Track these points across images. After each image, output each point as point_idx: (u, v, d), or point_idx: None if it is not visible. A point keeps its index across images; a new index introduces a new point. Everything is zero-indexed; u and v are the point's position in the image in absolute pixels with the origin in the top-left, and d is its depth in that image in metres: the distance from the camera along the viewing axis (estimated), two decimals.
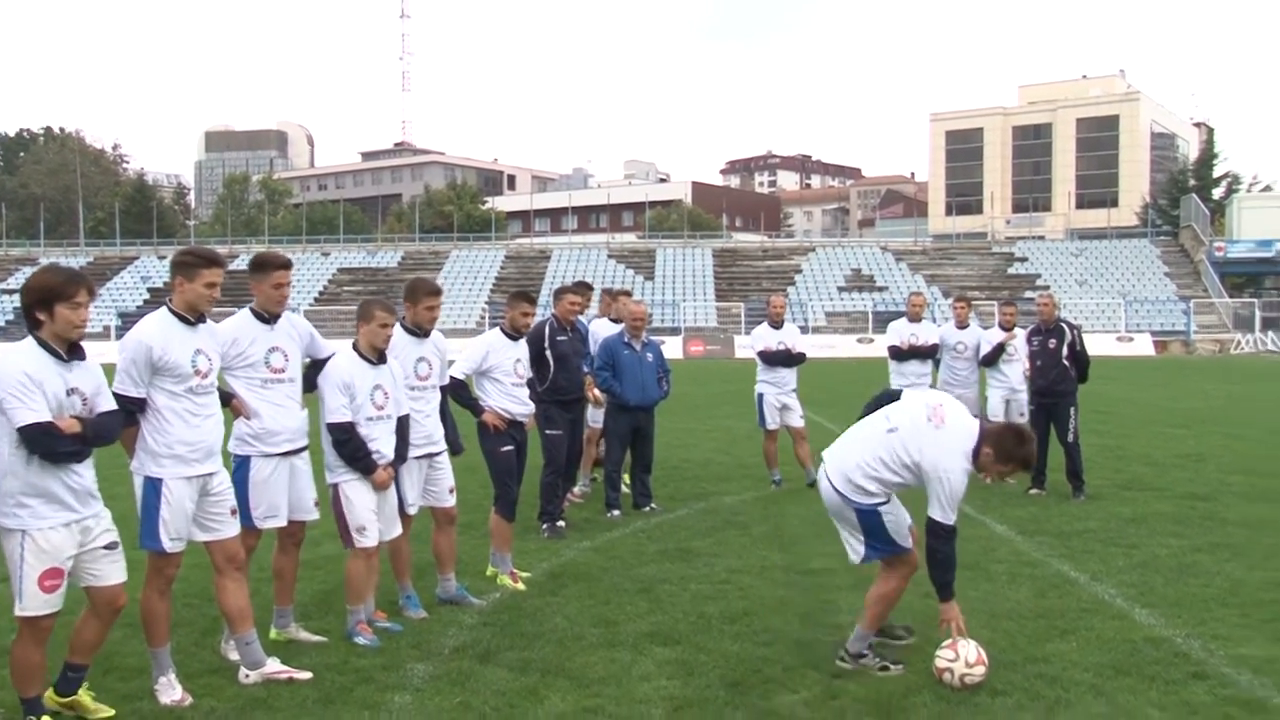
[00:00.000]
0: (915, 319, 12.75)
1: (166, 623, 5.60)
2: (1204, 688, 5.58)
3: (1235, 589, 7.52)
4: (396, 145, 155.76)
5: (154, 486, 5.41)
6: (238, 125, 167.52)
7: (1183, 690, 5.55)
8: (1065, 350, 11.52)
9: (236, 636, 5.80)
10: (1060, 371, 11.53)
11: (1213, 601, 7.21)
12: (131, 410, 5.34)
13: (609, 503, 10.60)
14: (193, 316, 5.54)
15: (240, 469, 6.05)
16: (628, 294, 12.09)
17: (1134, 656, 6.05)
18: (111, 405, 5.11)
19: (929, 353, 12.58)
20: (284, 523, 6.24)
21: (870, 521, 5.89)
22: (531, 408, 8.50)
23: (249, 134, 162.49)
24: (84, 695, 5.21)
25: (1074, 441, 11.40)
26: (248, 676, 5.70)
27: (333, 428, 6.43)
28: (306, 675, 5.77)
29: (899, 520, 5.93)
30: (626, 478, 11.07)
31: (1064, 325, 11.75)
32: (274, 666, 5.76)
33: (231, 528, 5.71)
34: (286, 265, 6.24)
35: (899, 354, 12.59)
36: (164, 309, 5.56)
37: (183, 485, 5.45)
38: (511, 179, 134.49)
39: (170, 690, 5.43)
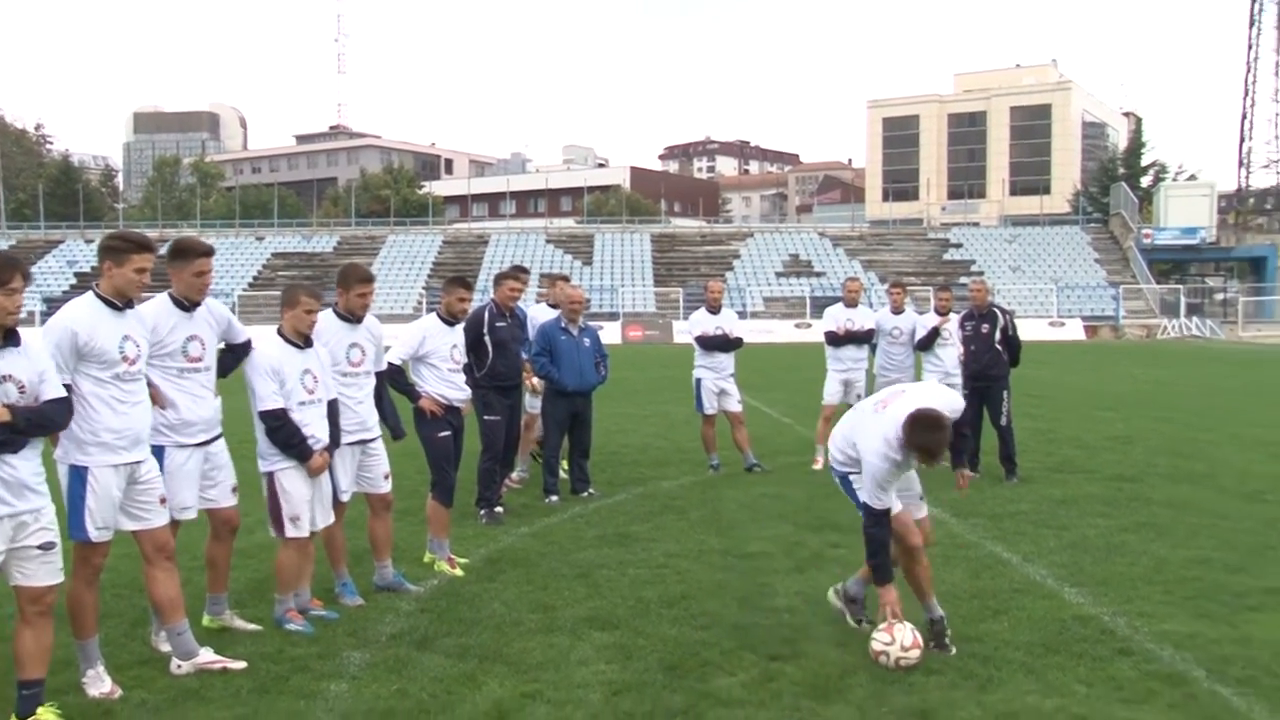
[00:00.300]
0: (852, 304, 12.85)
1: (94, 614, 5.48)
2: (1129, 663, 5.72)
3: (1160, 567, 7.71)
4: (332, 128, 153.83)
5: (79, 475, 5.29)
6: (167, 106, 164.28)
7: (1109, 666, 5.68)
8: (998, 335, 11.70)
9: (168, 627, 5.71)
10: (993, 356, 11.69)
11: (1138, 580, 7.38)
12: None
13: (547, 488, 10.58)
14: (121, 302, 5.42)
15: (155, 460, 5.87)
16: (566, 279, 12.06)
17: (1063, 635, 6.18)
18: (58, 393, 4.95)
19: (865, 337, 12.69)
20: (194, 515, 6.12)
21: (843, 484, 6.44)
22: (468, 393, 8.47)
23: (179, 115, 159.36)
24: (45, 713, 4.92)
25: (1007, 425, 11.58)
26: (180, 667, 5.62)
27: (265, 415, 6.33)
28: (240, 665, 5.70)
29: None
30: (564, 463, 11.06)
31: (996, 310, 11.93)
32: (207, 656, 5.68)
33: (161, 516, 5.60)
34: (208, 252, 6.05)
35: (835, 339, 12.68)
36: (90, 294, 5.43)
37: (109, 474, 5.33)
38: (449, 163, 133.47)
39: (99, 683, 5.33)
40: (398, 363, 8.07)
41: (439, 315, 8.38)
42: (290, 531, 6.46)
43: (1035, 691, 5.32)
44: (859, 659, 5.74)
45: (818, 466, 12.20)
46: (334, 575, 7.08)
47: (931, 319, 12.62)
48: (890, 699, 5.23)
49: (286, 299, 6.53)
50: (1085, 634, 6.21)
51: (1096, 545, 8.44)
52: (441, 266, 63.28)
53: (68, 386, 5.09)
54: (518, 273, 10.21)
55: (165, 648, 5.85)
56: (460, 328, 8.48)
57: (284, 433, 6.34)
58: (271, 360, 6.35)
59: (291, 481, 6.43)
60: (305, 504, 6.48)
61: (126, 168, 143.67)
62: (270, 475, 6.44)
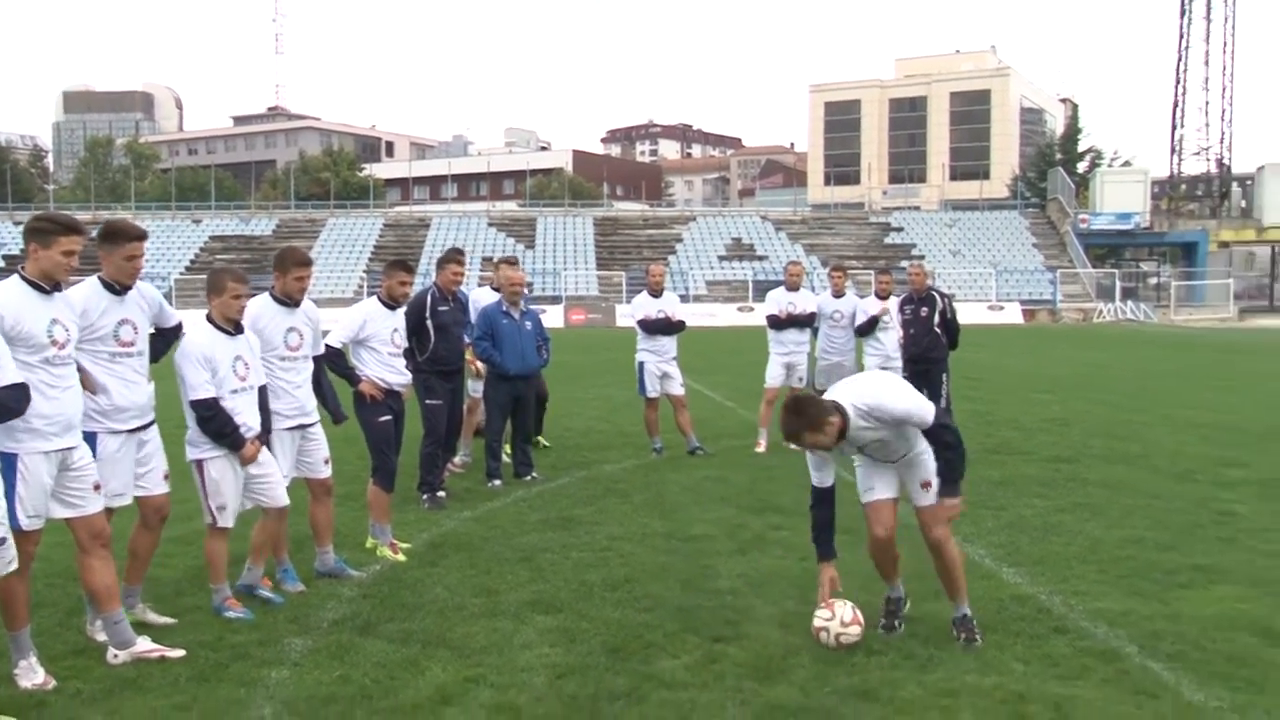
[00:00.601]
0: (794, 288, 12.92)
1: (26, 604, 5.35)
2: (1064, 641, 5.83)
3: (1094, 547, 7.85)
4: (270, 110, 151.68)
5: (9, 462, 5.15)
6: (99, 85, 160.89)
7: (1045, 644, 5.78)
8: (936, 318, 11.81)
9: (104, 615, 5.60)
10: (932, 339, 11.81)
11: (1074, 559, 7.51)
12: None
13: (490, 472, 10.54)
14: (48, 285, 5.30)
15: (87, 446, 5.77)
16: (511, 262, 12.01)
17: (1001, 614, 6.27)
18: (14, 379, 4.84)
19: (807, 321, 12.77)
20: (129, 501, 6.02)
21: None
22: (409, 377, 8.40)
23: (111, 95, 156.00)
24: None
25: (946, 407, 11.71)
26: (116, 656, 5.52)
27: (197, 404, 6.21)
28: (179, 653, 5.62)
29: (861, 476, 6.10)
30: (507, 447, 11.03)
31: (935, 294, 12.04)
32: (144, 645, 5.59)
33: (95, 503, 5.48)
34: (141, 236, 5.91)
35: (777, 323, 12.74)
36: (16, 277, 5.29)
37: (40, 460, 5.20)
38: (390, 146, 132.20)
39: (31, 674, 5.22)
40: (338, 346, 7.99)
41: (380, 299, 8.29)
42: (218, 521, 6.36)
43: (974, 670, 5.40)
44: (802, 640, 5.79)
45: (761, 449, 12.27)
46: (275, 561, 7.01)
47: (872, 303, 12.70)
48: (833, 679, 5.28)
49: (213, 285, 6.39)
50: (1022, 613, 6.31)
51: (1033, 525, 8.57)
52: (382, 250, 62.69)
53: None
54: (459, 256, 10.14)
55: (101, 637, 5.75)
56: (401, 312, 8.40)
57: (216, 422, 6.23)
58: (203, 348, 6.23)
59: (219, 470, 6.32)
60: (233, 493, 6.39)
61: (56, 148, 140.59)
62: (199, 464, 6.33)
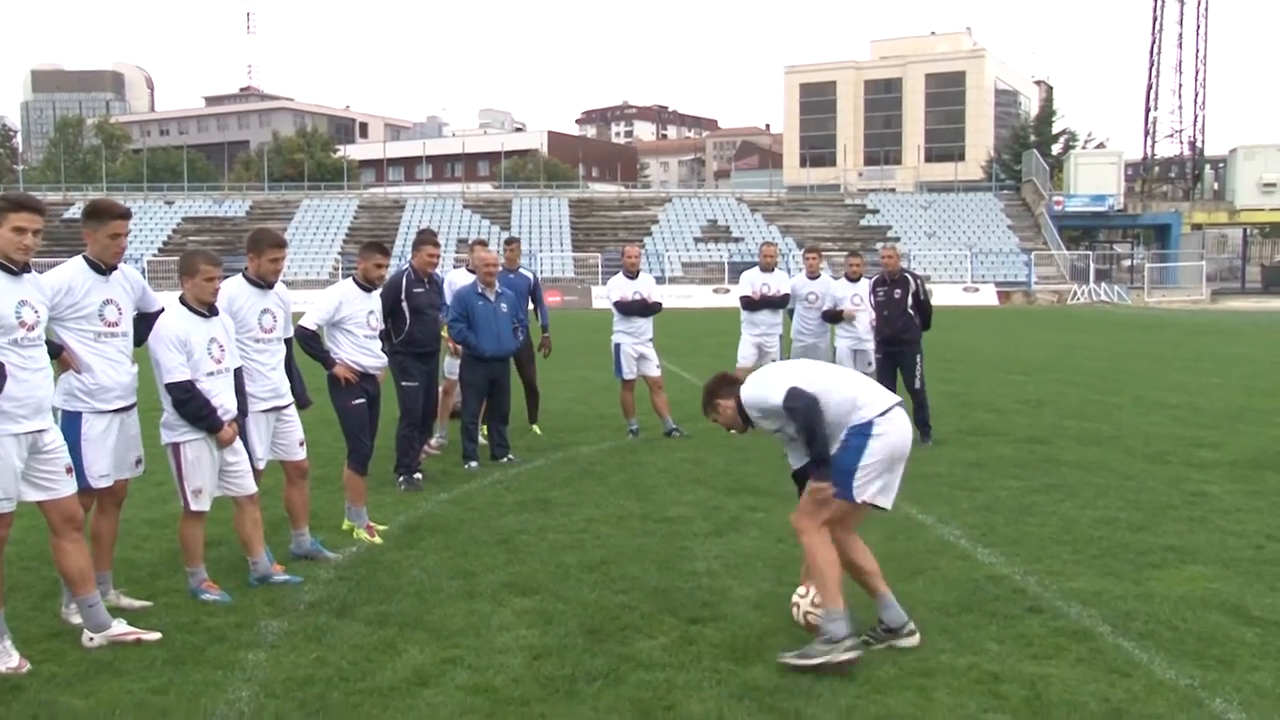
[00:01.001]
0: (768, 269, 12.93)
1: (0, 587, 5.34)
2: (1039, 621, 5.88)
3: (1068, 527, 7.92)
4: (242, 90, 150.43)
5: None
6: (68, 65, 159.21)
7: (1019, 624, 5.82)
8: (910, 300, 11.84)
9: (79, 599, 5.56)
10: (906, 320, 11.84)
11: (1048, 540, 7.57)
12: None
13: (466, 454, 10.52)
14: (15, 266, 5.21)
15: (71, 426, 5.73)
16: (482, 244, 12.00)
17: (976, 594, 6.32)
18: None
19: (781, 302, 12.79)
20: (111, 483, 5.98)
21: None
22: (384, 360, 8.36)
23: (81, 75, 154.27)
24: None
25: (920, 388, 11.77)
26: (92, 640, 5.49)
27: (172, 387, 6.15)
28: (155, 636, 5.59)
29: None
30: (483, 429, 11.01)
31: (908, 275, 12.07)
32: (120, 628, 5.56)
33: (68, 486, 5.43)
34: (125, 215, 5.89)
35: (751, 304, 12.76)
36: None
37: (10, 442, 5.13)
38: (364, 127, 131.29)
39: (6, 657, 5.19)
40: (313, 328, 7.95)
41: (355, 281, 8.23)
42: (193, 505, 6.32)
43: (949, 650, 5.44)
44: (777, 621, 5.82)
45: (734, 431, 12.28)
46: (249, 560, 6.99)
47: (844, 285, 12.73)
48: None
49: (185, 267, 6.32)
50: (997, 593, 6.36)
51: (1008, 506, 8.63)
52: (357, 231, 62.36)
53: None
54: (433, 238, 10.08)
55: (76, 620, 5.71)
56: (377, 294, 8.36)
57: (192, 405, 6.18)
58: (177, 331, 6.17)
59: (196, 453, 6.28)
60: (208, 477, 6.35)
61: (25, 128, 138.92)
62: (176, 446, 6.28)
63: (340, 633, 5.74)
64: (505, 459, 10.66)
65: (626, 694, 4.91)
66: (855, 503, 5.46)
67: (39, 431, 5.27)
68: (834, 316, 12.65)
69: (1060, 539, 7.60)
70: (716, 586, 6.56)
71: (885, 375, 11.72)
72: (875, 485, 5.50)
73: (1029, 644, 5.53)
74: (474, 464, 10.43)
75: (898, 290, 11.89)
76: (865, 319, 12.48)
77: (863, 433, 5.46)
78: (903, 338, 11.85)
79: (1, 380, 4.92)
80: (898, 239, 61.03)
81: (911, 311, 11.84)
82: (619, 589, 6.48)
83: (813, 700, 4.83)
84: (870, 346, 12.56)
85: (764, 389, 5.63)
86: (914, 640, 5.48)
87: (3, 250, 5.19)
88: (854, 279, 12.75)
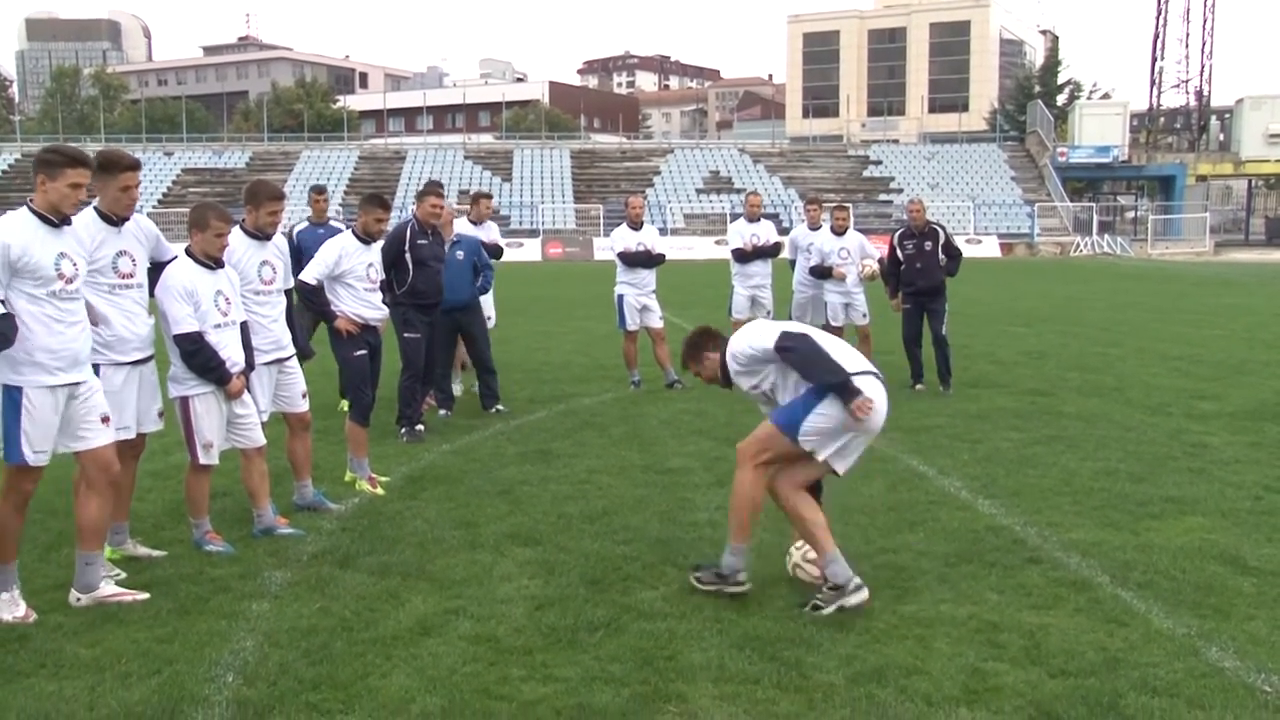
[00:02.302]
0: (754, 219, 12.88)
1: (17, 539, 5.34)
2: (1038, 571, 5.91)
3: (1069, 479, 7.94)
4: (240, 40, 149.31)
5: (13, 396, 5.10)
6: (63, 13, 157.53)
7: (1019, 574, 5.85)
8: (940, 251, 11.89)
9: (83, 553, 5.52)
10: (938, 271, 11.92)
11: (1048, 491, 7.60)
12: None
13: (439, 403, 10.57)
14: (56, 218, 5.20)
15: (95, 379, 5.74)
16: (488, 196, 12.02)
17: (976, 545, 6.35)
18: None
19: (772, 252, 12.75)
20: (133, 435, 6.00)
21: None
22: (385, 312, 8.34)
23: (77, 23, 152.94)
24: None
25: (945, 335, 11.88)
26: (79, 600, 5.45)
27: (181, 339, 6.15)
28: (143, 596, 5.55)
29: None
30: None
31: (936, 227, 12.11)
32: (108, 589, 5.52)
33: (104, 435, 5.43)
34: (135, 166, 5.80)
35: (744, 256, 12.70)
36: (25, 209, 5.19)
37: (45, 395, 5.14)
38: (364, 77, 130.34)
39: (13, 607, 5.23)
40: (314, 282, 7.93)
41: (355, 234, 8.19)
42: (202, 459, 6.33)
43: (949, 600, 5.47)
44: (778, 571, 5.84)
45: None
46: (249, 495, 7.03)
47: (828, 237, 12.71)
48: (809, 610, 5.33)
49: (196, 220, 6.29)
50: (997, 544, 6.38)
51: (1009, 458, 8.65)
52: (358, 183, 62.07)
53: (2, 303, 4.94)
54: (438, 189, 10.03)
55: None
56: (377, 246, 8.32)
57: (201, 356, 6.18)
58: (185, 282, 6.15)
59: (205, 407, 6.29)
60: (217, 429, 6.37)
61: (21, 78, 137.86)
62: (185, 400, 6.28)
63: (343, 583, 5.77)
64: (494, 409, 10.68)
65: (628, 643, 4.94)
66: (797, 441, 5.38)
67: (76, 384, 5.28)
68: (823, 273, 12.64)
69: (1060, 490, 7.62)
70: (717, 537, 6.56)
71: (912, 324, 11.85)
72: (833, 445, 5.41)
73: (1028, 594, 5.56)
74: (444, 412, 10.52)
75: (928, 242, 11.94)
76: (854, 272, 12.48)
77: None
78: (935, 288, 11.92)
79: (12, 332, 4.91)
80: (900, 190, 60.77)
81: (943, 259, 11.88)
82: (621, 539, 6.52)
83: (813, 649, 4.87)
84: (861, 298, 12.60)
85: (753, 339, 5.63)
86: (862, 595, 5.27)
87: (55, 204, 5.17)
88: (840, 232, 12.72)
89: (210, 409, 6.32)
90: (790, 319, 12.61)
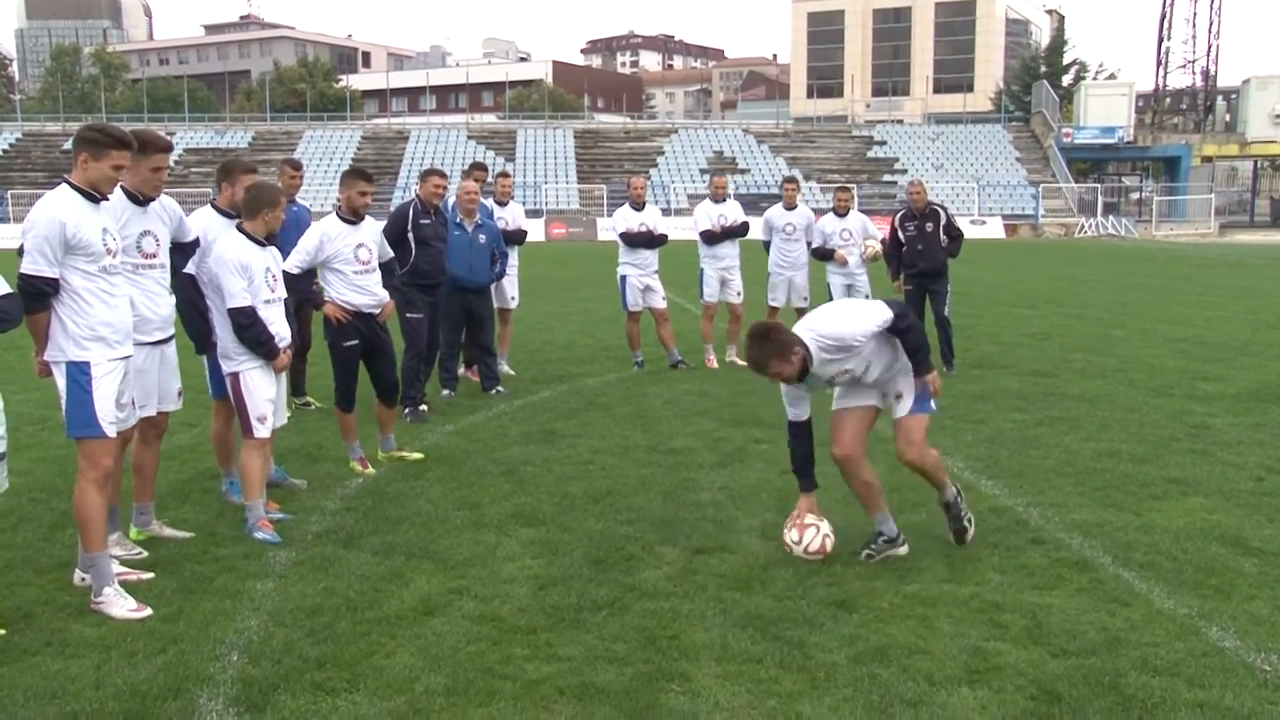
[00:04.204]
0: (719, 200, 12.84)
1: (104, 523, 5.28)
2: (1040, 552, 5.92)
3: (1071, 460, 7.95)
4: (242, 18, 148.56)
5: (83, 370, 5.13)
6: None
7: (1021, 555, 5.87)
8: (943, 232, 11.89)
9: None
10: (940, 252, 11.93)
11: (1051, 472, 7.61)
12: (46, 293, 5.03)
13: (442, 382, 10.57)
14: (97, 195, 5.22)
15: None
16: (506, 175, 12.11)
17: (979, 525, 6.34)
18: (4, 289, 4.82)
19: (740, 232, 12.69)
20: (153, 413, 6.01)
21: None
22: (379, 297, 7.86)
23: (77, 1, 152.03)
24: None
25: (948, 316, 11.89)
26: (83, 580, 5.38)
27: (235, 312, 6.23)
28: (148, 576, 5.55)
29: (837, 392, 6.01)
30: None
31: (937, 208, 12.11)
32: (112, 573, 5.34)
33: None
34: (167, 148, 5.82)
35: (713, 238, 12.63)
36: (65, 186, 5.18)
37: (111, 367, 5.23)
38: (366, 56, 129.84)
39: (122, 600, 5.11)
40: (295, 272, 7.54)
41: (338, 214, 7.79)
42: (258, 432, 6.37)
43: (951, 580, 5.49)
44: (782, 551, 5.86)
45: (713, 365, 12.32)
46: (222, 474, 7.09)
47: (831, 220, 12.66)
48: (811, 590, 5.36)
49: (250, 205, 6.37)
50: (1000, 524, 6.40)
51: (1012, 439, 8.66)
52: (361, 162, 61.68)
53: (32, 278, 4.98)
54: (441, 170, 10.00)
55: (117, 551, 5.72)
56: (365, 226, 7.83)
57: (253, 330, 6.25)
58: (240, 257, 6.24)
59: (256, 381, 6.35)
60: (269, 403, 6.42)
61: (21, 56, 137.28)
62: (236, 375, 6.34)
63: (347, 563, 5.80)
64: (494, 391, 10.69)
65: (631, 623, 4.96)
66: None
67: (127, 358, 5.38)
68: (825, 255, 12.61)
69: (1063, 471, 7.63)
70: (721, 517, 6.61)
71: (914, 305, 11.83)
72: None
73: (1030, 574, 5.58)
74: (448, 393, 10.51)
75: (929, 224, 11.94)
76: (856, 254, 12.47)
77: None
78: (937, 270, 11.91)
79: (16, 310, 4.92)
80: (904, 171, 60.59)
81: (945, 241, 11.89)
82: (624, 519, 6.53)
83: (816, 629, 4.88)
84: (864, 280, 12.59)
85: (860, 322, 5.59)
86: (905, 549, 5.90)
87: (95, 182, 5.18)
88: (842, 214, 12.68)
89: (261, 382, 6.36)
90: (769, 300, 12.66)
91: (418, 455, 8.08)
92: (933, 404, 5.96)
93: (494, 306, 11.09)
